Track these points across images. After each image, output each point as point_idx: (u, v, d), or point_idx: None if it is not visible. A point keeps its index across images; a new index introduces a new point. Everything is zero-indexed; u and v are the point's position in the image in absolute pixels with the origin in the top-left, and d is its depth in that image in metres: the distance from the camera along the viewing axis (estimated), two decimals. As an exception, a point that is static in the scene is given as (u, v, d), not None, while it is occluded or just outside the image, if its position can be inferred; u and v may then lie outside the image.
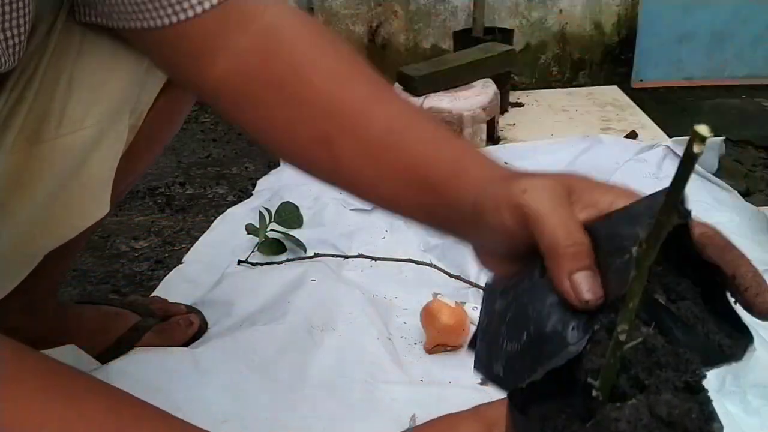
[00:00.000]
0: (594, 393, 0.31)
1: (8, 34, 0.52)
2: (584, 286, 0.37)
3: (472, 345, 0.43)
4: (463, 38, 1.96)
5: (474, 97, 1.66)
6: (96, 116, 0.65)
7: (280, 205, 1.22)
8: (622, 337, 0.29)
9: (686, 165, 0.25)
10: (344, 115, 0.58)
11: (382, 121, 0.57)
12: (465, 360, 0.71)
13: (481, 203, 0.46)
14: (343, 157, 0.57)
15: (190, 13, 0.58)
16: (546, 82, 2.28)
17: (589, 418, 0.32)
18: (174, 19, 0.58)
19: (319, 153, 0.59)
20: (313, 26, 0.63)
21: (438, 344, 0.94)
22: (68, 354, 0.83)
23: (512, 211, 0.41)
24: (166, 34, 0.59)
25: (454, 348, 0.94)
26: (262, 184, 1.52)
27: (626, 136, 1.70)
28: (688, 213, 0.33)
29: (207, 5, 0.58)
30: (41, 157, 0.62)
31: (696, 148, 0.24)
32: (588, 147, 1.51)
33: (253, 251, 1.16)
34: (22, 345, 0.44)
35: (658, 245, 0.26)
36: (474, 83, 1.71)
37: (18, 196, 0.62)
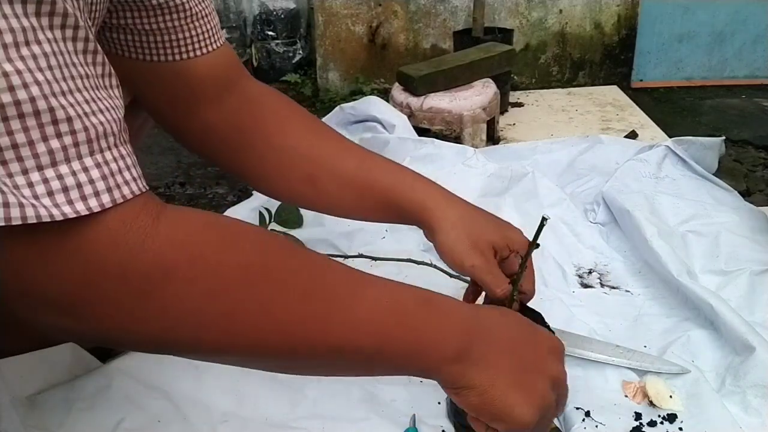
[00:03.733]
0: None
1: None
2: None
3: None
4: (463, 38, 1.96)
5: (474, 97, 1.66)
6: None
7: (280, 205, 1.22)
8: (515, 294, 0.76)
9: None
10: (322, 158, 0.77)
11: (352, 161, 0.77)
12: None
13: (433, 234, 0.75)
14: (326, 191, 0.77)
15: (203, 51, 0.71)
16: (546, 82, 2.28)
17: None
18: (190, 54, 0.70)
19: (306, 189, 0.78)
20: (287, 99, 0.81)
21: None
22: (68, 352, 0.83)
23: (464, 269, 0.75)
24: (172, 69, 0.71)
25: (454, 348, 0.94)
26: (262, 184, 1.51)
27: (626, 136, 1.70)
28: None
29: (212, 47, 0.72)
30: None
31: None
32: (588, 147, 1.51)
33: (253, 251, 1.16)
34: None
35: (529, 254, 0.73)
36: (474, 83, 1.71)
37: None
